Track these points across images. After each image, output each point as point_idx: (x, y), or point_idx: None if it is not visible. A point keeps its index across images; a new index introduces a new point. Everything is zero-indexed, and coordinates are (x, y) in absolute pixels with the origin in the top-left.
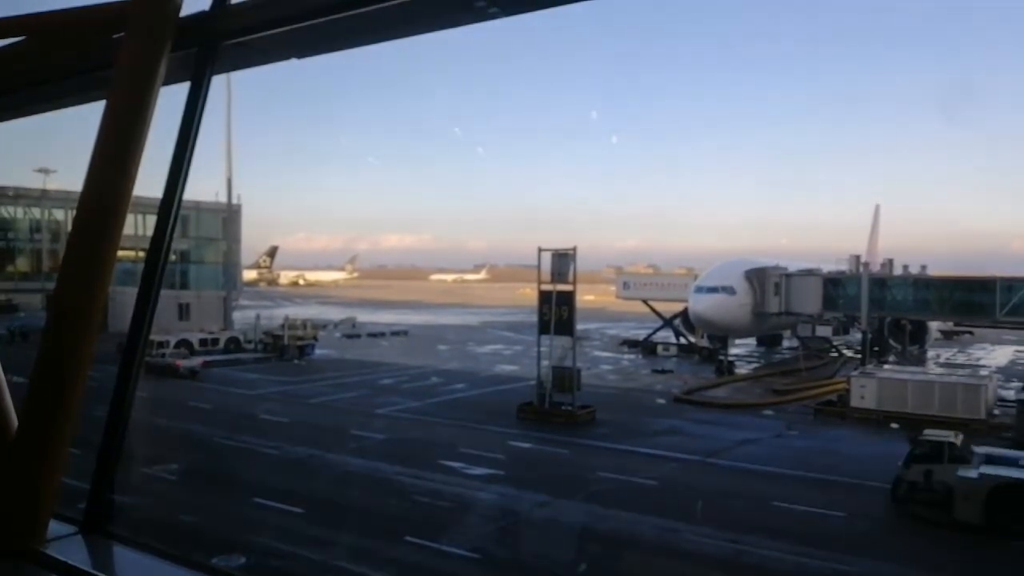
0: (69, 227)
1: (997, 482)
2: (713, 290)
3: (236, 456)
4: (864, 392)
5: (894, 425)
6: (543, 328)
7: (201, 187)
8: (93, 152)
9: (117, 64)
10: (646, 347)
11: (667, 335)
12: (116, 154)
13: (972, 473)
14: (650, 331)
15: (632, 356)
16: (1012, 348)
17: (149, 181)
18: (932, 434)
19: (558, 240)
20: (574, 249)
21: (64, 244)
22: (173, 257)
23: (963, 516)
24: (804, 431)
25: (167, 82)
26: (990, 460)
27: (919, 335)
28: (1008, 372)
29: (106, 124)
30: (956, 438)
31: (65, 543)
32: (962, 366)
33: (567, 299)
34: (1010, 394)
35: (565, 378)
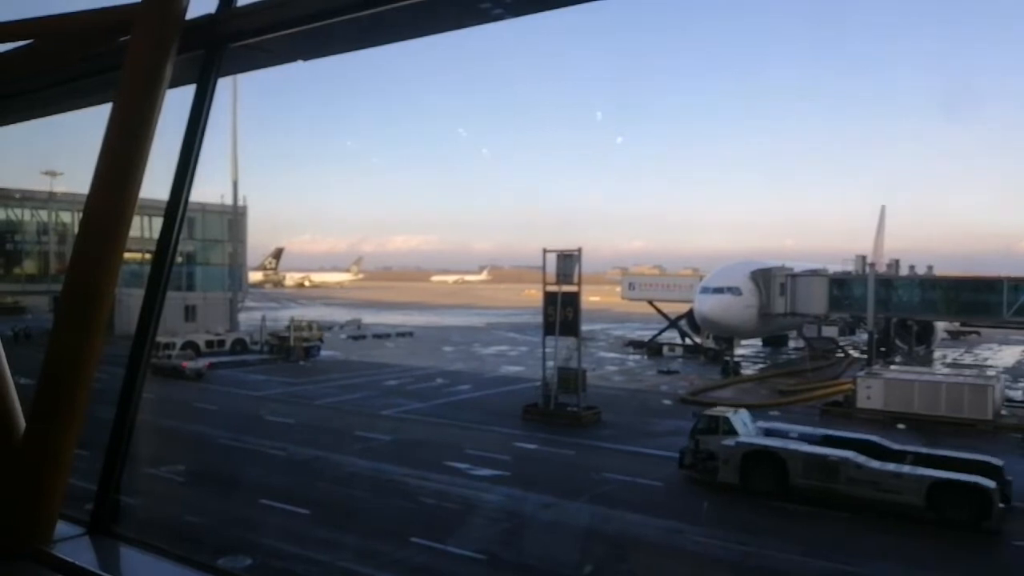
0: (76, 229)
1: (747, 449)
2: (719, 291)
3: (242, 457)
4: (870, 393)
5: (901, 426)
6: (548, 329)
7: (207, 189)
8: (100, 154)
9: (124, 67)
10: (651, 348)
11: (673, 336)
12: (122, 156)
13: (731, 442)
14: (655, 332)
15: (637, 357)
16: (1019, 348)
17: (156, 183)
18: (713, 411)
19: (563, 241)
20: (579, 250)
21: (71, 246)
22: (179, 259)
23: (724, 478)
24: None
25: (173, 84)
26: (768, 433)
27: (925, 335)
28: (1016, 372)
29: (113, 126)
30: (734, 414)
31: (72, 544)
32: (969, 366)
33: (572, 300)
34: (1018, 395)
35: (570, 379)
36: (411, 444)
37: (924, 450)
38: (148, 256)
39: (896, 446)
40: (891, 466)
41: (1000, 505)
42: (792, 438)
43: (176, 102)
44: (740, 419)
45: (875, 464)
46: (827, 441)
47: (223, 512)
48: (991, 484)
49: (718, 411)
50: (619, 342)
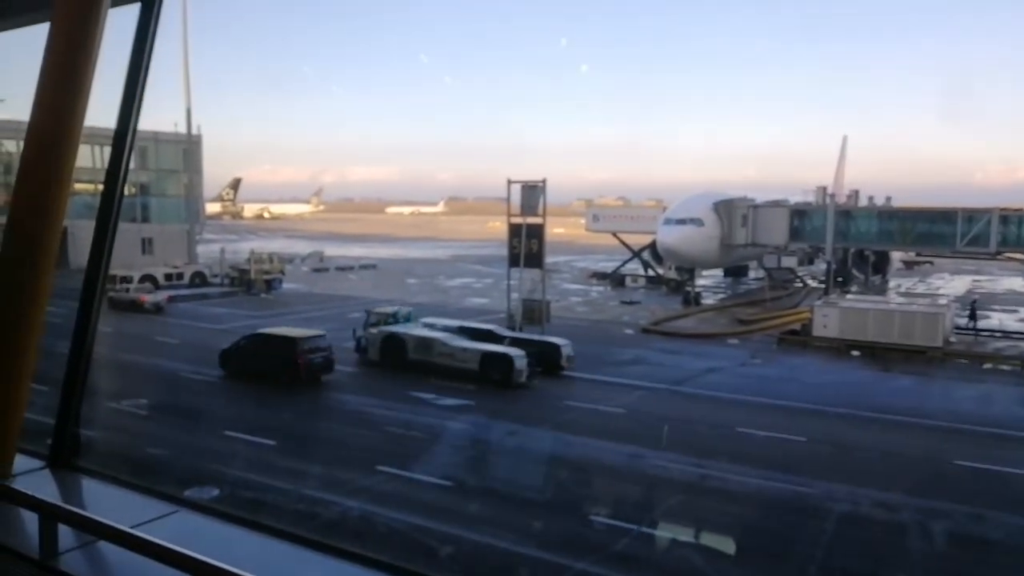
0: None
1: (384, 335)
2: (681, 222)
3: (206, 390)
4: (827, 321)
5: (855, 352)
6: (513, 261)
7: (159, 117)
8: (40, 78)
9: None
10: (615, 279)
11: (636, 267)
12: (64, 80)
13: (375, 330)
14: (619, 263)
15: (601, 288)
16: (970, 278)
17: (108, 110)
18: (379, 308)
19: (527, 172)
20: (544, 181)
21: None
22: (133, 190)
23: (372, 357)
24: (768, 360)
25: (116, 3)
26: (426, 325)
27: (881, 265)
28: (965, 301)
29: (52, 48)
30: (389, 309)
31: (32, 477)
32: (921, 295)
33: (537, 232)
34: (966, 322)
35: (535, 310)
36: (375, 374)
37: (515, 335)
38: (103, 187)
39: (504, 332)
40: (464, 342)
41: (521, 370)
42: (437, 328)
43: (121, 21)
44: (402, 314)
45: (456, 341)
46: (461, 330)
47: (188, 444)
48: (518, 354)
49: (383, 309)
50: (583, 274)
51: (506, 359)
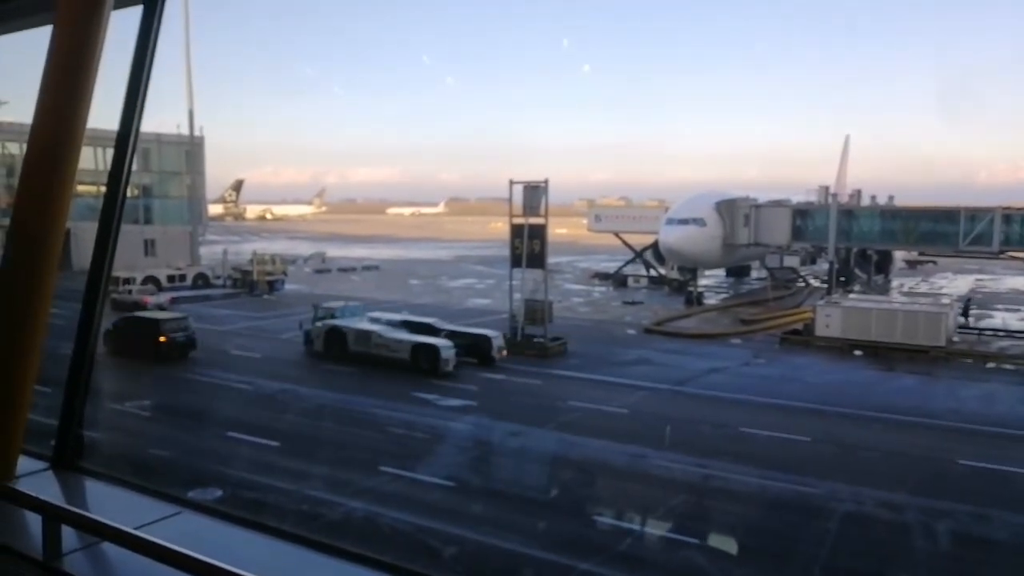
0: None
1: (327, 328)
2: (684, 222)
3: (208, 391)
4: (829, 321)
5: (858, 352)
6: (515, 261)
7: (162, 118)
8: (42, 81)
9: None
10: (617, 279)
11: (638, 268)
12: (67, 82)
13: (320, 324)
14: (621, 264)
15: (603, 289)
16: (973, 277)
17: (110, 113)
18: (325, 304)
19: (530, 172)
20: (546, 181)
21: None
22: (136, 192)
23: (317, 348)
24: (770, 359)
25: (118, 5)
26: (372, 320)
27: (884, 265)
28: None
29: (55, 50)
30: (342, 306)
31: (36, 478)
32: (924, 295)
33: (539, 232)
34: (969, 321)
35: (537, 311)
36: (378, 376)
37: (452, 327)
38: (105, 189)
39: (443, 325)
40: (399, 334)
41: (447, 360)
42: (380, 322)
43: (124, 23)
44: (349, 309)
45: (391, 333)
46: (404, 324)
47: (191, 445)
48: (445, 345)
49: (328, 304)
50: (585, 274)
51: (433, 349)
